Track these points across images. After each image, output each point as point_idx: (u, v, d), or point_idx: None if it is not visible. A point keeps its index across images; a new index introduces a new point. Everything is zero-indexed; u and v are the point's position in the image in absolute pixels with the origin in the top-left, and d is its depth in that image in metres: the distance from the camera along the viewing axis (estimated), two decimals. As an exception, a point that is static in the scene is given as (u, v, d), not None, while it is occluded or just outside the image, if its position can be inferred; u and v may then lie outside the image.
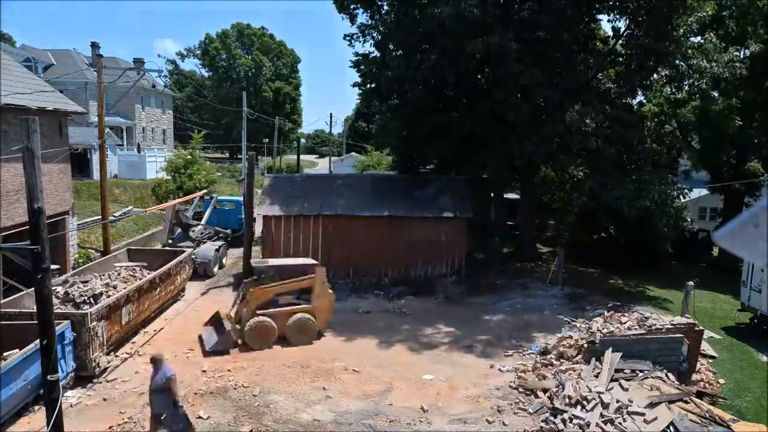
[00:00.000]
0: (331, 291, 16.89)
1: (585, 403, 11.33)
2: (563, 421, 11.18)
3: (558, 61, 21.76)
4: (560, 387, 12.24)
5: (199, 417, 11.64)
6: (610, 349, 12.52)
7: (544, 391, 12.53)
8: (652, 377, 12.12)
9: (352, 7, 25.96)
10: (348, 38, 26.60)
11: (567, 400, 11.58)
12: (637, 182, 21.68)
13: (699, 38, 23.52)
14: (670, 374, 12.35)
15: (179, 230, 24.49)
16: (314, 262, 17.59)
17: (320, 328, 16.36)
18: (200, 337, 15.80)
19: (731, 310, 19.58)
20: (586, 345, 13.18)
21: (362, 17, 26.47)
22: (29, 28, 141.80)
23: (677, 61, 22.05)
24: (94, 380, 13.15)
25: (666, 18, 21.14)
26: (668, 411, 10.86)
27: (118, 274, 17.27)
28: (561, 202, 29.57)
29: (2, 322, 12.50)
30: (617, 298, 21.04)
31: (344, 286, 22.00)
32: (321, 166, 76.87)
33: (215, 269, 23.72)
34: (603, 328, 13.67)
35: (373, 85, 26.94)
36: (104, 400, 12.39)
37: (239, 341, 15.41)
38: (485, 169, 27.96)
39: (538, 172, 27.42)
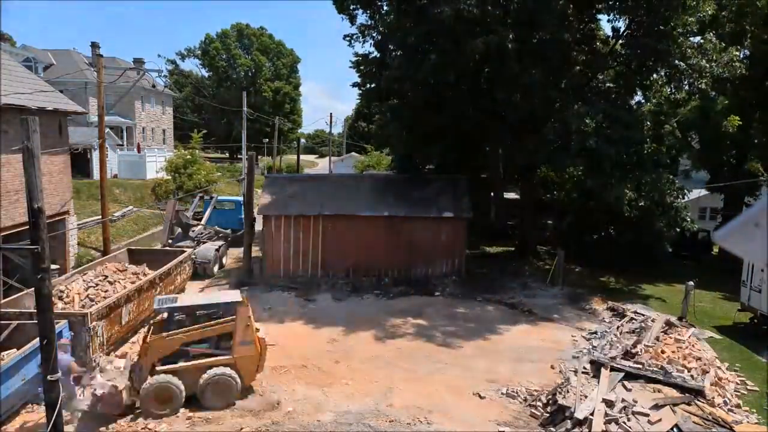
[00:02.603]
0: (260, 335, 12.70)
1: (590, 402, 11.31)
2: (567, 419, 11.19)
3: (558, 61, 21.75)
4: (566, 381, 12.25)
5: (197, 419, 11.64)
6: (609, 368, 12.39)
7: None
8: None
9: (351, 7, 25.96)
10: (348, 38, 26.63)
11: (571, 399, 11.58)
12: (636, 182, 21.67)
13: (698, 38, 23.51)
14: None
15: (179, 230, 24.50)
16: (238, 299, 12.81)
17: (245, 385, 12.40)
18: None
19: (731, 310, 19.57)
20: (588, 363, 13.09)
21: (362, 17, 26.50)
22: (29, 28, 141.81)
23: (677, 61, 22.04)
24: (94, 380, 13.14)
25: (666, 18, 21.13)
26: (672, 413, 10.87)
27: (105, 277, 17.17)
28: (561, 202, 29.57)
29: (2, 322, 12.52)
30: (616, 298, 21.08)
31: (344, 286, 22.02)
32: (321, 166, 76.88)
33: (215, 269, 23.72)
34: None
35: (372, 85, 26.95)
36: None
37: (133, 403, 11.66)
38: (485, 169, 27.99)
39: (538, 172, 27.42)
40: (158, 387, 11.44)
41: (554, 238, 28.75)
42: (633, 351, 13.75)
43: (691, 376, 12.85)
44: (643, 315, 18.62)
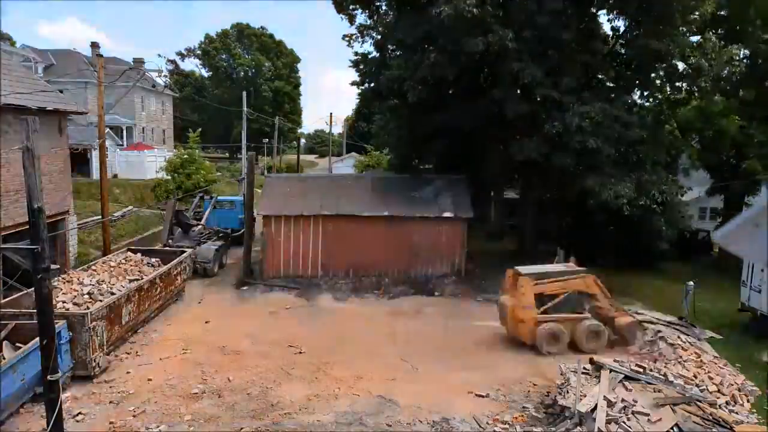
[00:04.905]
0: None
1: (591, 398, 11.29)
2: (567, 418, 11.18)
3: (558, 60, 21.75)
4: (566, 381, 12.23)
5: (196, 419, 11.64)
6: (608, 370, 12.35)
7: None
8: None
9: (351, 7, 25.94)
10: (347, 38, 26.61)
11: (571, 398, 11.57)
12: (636, 182, 21.66)
13: (698, 38, 23.50)
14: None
15: (179, 230, 24.48)
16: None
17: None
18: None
19: (731, 310, 19.56)
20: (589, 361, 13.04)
21: (361, 17, 26.49)
22: (29, 28, 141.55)
23: (677, 61, 22.03)
24: (94, 380, 13.15)
25: (666, 17, 21.12)
26: (672, 412, 10.85)
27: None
28: (561, 202, 29.54)
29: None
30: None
31: (344, 286, 22.01)
32: (321, 166, 76.87)
33: (215, 269, 23.71)
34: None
35: (372, 85, 26.94)
36: (104, 399, 12.38)
37: None
38: (485, 169, 27.96)
39: (538, 172, 27.37)
40: None
41: (554, 237, 28.74)
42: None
43: (703, 388, 12.74)
44: (643, 314, 18.63)
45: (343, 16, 26.29)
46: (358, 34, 26.28)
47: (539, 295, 15.74)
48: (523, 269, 16.26)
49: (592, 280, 16.39)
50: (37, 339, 9.45)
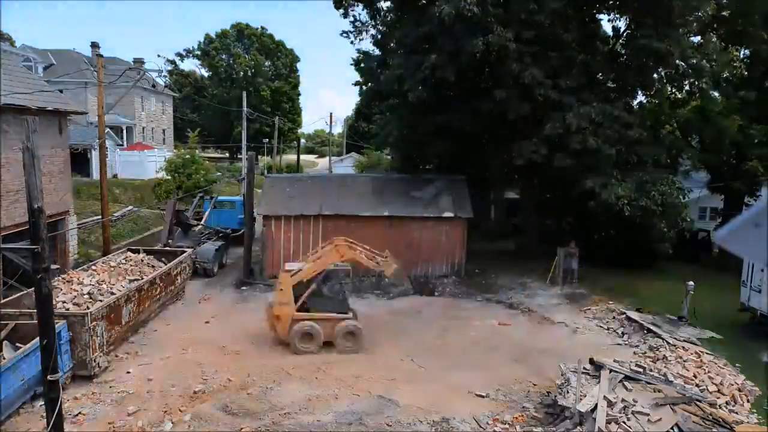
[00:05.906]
0: None
1: (591, 398, 11.30)
2: (567, 418, 11.19)
3: (558, 60, 21.76)
4: (566, 382, 12.23)
5: (196, 419, 11.63)
6: (608, 370, 12.34)
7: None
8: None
9: (349, 4, 25.98)
10: (345, 34, 26.66)
11: (571, 399, 11.57)
12: (637, 182, 21.67)
13: (698, 38, 23.52)
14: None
15: (179, 230, 24.47)
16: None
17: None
18: None
19: (731, 310, 19.55)
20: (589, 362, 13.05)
21: (362, 15, 26.54)
22: (30, 27, 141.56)
23: (677, 61, 22.05)
24: (94, 380, 13.15)
25: (666, 18, 21.14)
26: (672, 412, 10.85)
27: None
28: (561, 202, 29.56)
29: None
30: (616, 298, 21.06)
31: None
32: (321, 166, 76.87)
33: (215, 269, 23.71)
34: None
35: (372, 85, 27.00)
36: (104, 399, 12.38)
37: None
38: (485, 168, 27.98)
39: (538, 172, 27.43)
40: None
41: (555, 237, 28.76)
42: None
43: (703, 388, 12.76)
44: (644, 314, 18.63)
45: (342, 13, 26.34)
46: (356, 31, 26.33)
47: (298, 285, 15.50)
48: (288, 265, 16.36)
49: (342, 242, 15.71)
50: (37, 339, 9.46)
